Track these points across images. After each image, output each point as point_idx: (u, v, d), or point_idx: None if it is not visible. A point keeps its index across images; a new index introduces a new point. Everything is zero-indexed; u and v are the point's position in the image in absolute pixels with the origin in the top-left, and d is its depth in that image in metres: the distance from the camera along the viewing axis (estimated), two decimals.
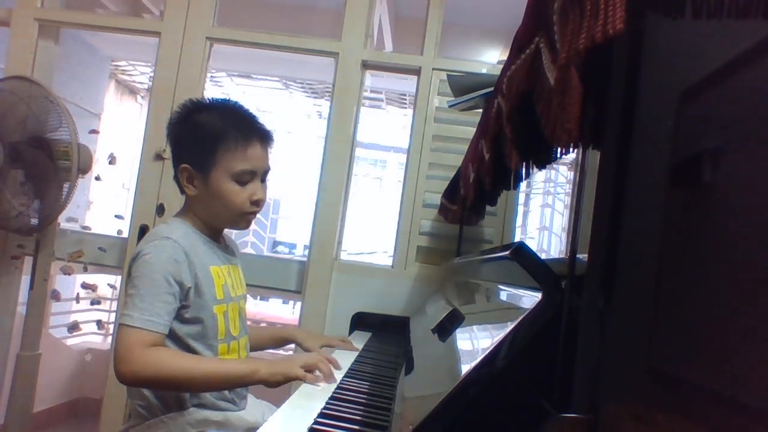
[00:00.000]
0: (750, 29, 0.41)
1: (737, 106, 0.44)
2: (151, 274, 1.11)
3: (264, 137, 1.26)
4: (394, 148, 5.85)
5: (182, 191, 1.28)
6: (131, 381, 1.07)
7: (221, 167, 1.21)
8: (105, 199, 3.82)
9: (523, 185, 1.97)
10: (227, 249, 1.34)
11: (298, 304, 2.24)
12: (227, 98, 1.32)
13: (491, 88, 1.18)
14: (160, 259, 1.12)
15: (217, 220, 1.27)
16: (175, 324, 1.15)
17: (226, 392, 1.23)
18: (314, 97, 4.67)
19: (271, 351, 2.48)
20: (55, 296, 2.45)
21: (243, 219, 1.27)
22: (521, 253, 0.69)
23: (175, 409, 1.18)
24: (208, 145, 1.21)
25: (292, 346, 1.72)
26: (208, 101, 1.29)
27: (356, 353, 1.43)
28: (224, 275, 1.26)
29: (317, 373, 1.10)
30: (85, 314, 3.14)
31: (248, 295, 1.51)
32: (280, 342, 1.59)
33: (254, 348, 1.45)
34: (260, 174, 1.25)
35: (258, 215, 1.35)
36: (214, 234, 1.29)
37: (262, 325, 4.17)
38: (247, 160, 1.22)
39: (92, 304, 2.84)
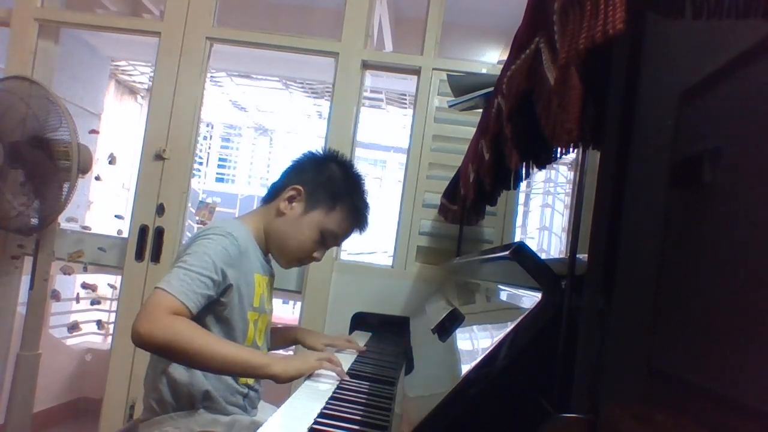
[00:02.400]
0: (750, 29, 0.41)
1: (737, 106, 0.44)
2: (203, 255, 1.15)
3: (364, 229, 1.40)
4: (394, 148, 5.85)
5: (266, 200, 1.35)
6: (145, 341, 1.04)
7: (325, 216, 1.31)
8: (105, 199, 3.81)
9: (523, 185, 1.97)
10: (270, 262, 1.39)
11: (298, 304, 2.24)
12: (364, 181, 1.42)
13: (491, 88, 1.18)
14: (216, 246, 1.17)
15: (277, 244, 1.34)
16: (210, 320, 1.19)
17: (240, 398, 1.24)
18: (314, 97, 4.67)
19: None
20: (55, 296, 2.45)
21: (291, 260, 1.36)
22: (521, 253, 0.69)
23: (186, 408, 1.19)
24: (334, 194, 1.32)
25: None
26: (352, 164, 1.42)
27: (356, 354, 1.43)
28: (263, 286, 1.31)
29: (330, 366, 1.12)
30: (85, 314, 3.14)
31: None
32: (287, 342, 1.61)
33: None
34: (334, 245, 1.40)
35: None
36: (265, 248, 1.35)
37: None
38: (342, 231, 1.35)
39: (92, 304, 2.84)
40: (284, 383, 1.10)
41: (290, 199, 1.29)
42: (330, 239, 1.34)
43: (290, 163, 1.38)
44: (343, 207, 1.32)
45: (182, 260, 1.14)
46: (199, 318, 1.17)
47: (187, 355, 1.06)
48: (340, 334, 1.65)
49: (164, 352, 1.09)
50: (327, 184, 1.31)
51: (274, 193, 1.34)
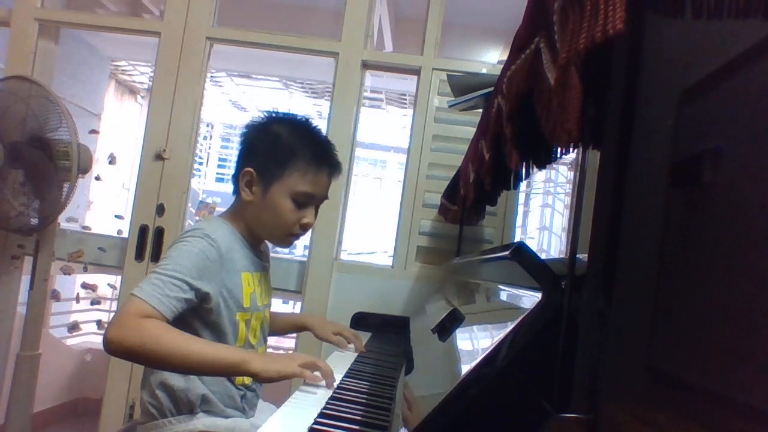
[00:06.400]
0: (750, 29, 0.41)
1: (737, 106, 0.44)
2: (178, 259, 1.11)
3: (333, 168, 1.27)
4: (394, 148, 5.85)
5: (236, 192, 1.28)
6: (115, 346, 1.00)
7: (285, 183, 1.21)
8: (105, 199, 3.81)
9: (523, 185, 1.96)
10: (262, 255, 1.34)
11: (298, 304, 2.24)
12: (308, 118, 1.31)
13: (491, 88, 1.18)
14: (192, 249, 1.13)
15: (262, 230, 1.28)
16: (199, 326, 1.16)
17: (238, 400, 1.23)
18: (314, 97, 4.67)
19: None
20: (55, 296, 2.45)
21: (285, 238, 1.28)
22: (521, 253, 0.69)
23: (185, 413, 1.18)
24: (280, 159, 1.22)
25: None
26: (290, 116, 1.30)
27: (356, 354, 1.43)
28: (254, 283, 1.27)
29: (316, 373, 1.06)
30: (85, 314, 3.14)
31: None
32: (294, 328, 1.58)
33: (270, 334, 1.46)
34: (318, 201, 1.27)
35: None
36: (254, 241, 1.29)
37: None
38: (311, 184, 1.23)
39: (92, 304, 2.84)
40: (265, 382, 1.06)
41: (248, 185, 1.23)
42: (306, 198, 1.24)
43: (240, 145, 1.30)
44: (297, 161, 1.22)
45: (158, 265, 1.11)
46: (188, 324, 1.14)
47: (158, 357, 1.02)
48: (347, 328, 1.60)
49: (135, 355, 1.04)
50: (272, 151, 1.22)
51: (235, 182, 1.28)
